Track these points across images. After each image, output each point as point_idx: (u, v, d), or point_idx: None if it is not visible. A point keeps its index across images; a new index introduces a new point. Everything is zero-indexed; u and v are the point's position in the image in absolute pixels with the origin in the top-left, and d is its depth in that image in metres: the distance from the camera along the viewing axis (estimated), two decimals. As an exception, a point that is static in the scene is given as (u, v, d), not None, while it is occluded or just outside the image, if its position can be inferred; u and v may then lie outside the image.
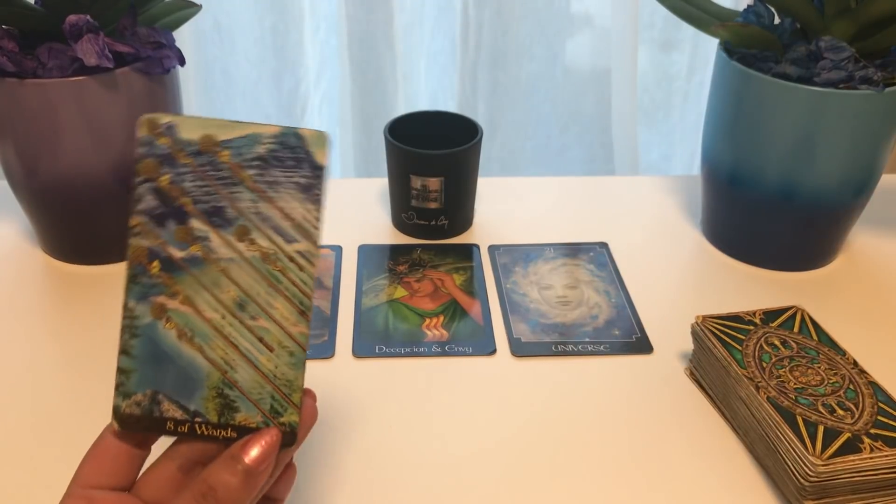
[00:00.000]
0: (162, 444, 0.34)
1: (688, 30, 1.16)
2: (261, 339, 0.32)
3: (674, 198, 0.77)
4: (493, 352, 0.57)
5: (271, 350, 0.32)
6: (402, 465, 0.48)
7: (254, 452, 0.31)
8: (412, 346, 0.57)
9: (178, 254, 0.32)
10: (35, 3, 0.59)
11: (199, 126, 0.32)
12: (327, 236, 0.69)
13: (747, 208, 0.65)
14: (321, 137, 0.33)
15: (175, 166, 0.32)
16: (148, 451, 0.34)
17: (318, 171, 0.32)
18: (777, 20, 0.63)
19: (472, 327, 0.59)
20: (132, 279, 0.32)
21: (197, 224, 0.32)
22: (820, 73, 0.58)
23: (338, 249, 0.68)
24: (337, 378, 0.55)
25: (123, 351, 0.32)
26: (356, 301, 0.62)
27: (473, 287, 0.64)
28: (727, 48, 0.63)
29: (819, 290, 0.64)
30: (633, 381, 0.55)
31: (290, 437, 0.33)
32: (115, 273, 0.65)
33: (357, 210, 0.74)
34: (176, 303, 0.32)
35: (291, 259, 0.32)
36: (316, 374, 0.55)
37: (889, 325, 0.60)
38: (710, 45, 1.17)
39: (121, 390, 0.33)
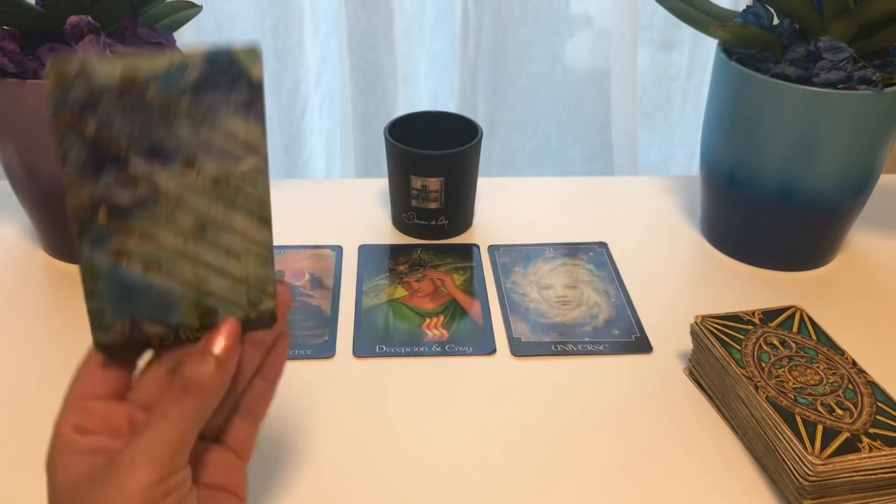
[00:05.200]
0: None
1: (687, 30, 1.16)
2: (227, 252, 0.32)
3: (673, 198, 0.77)
4: (493, 351, 0.57)
5: (239, 259, 0.33)
6: (402, 465, 0.48)
7: (220, 342, 0.33)
8: (412, 345, 0.58)
9: (124, 198, 0.31)
10: (36, 3, 0.59)
11: (115, 65, 0.29)
12: (328, 236, 0.70)
13: (746, 208, 0.65)
14: (254, 51, 0.30)
15: (98, 113, 0.29)
16: (136, 361, 0.35)
17: (255, 87, 0.31)
18: (776, 21, 0.63)
19: (472, 327, 0.59)
20: (81, 231, 0.31)
21: (138, 165, 0.30)
22: (819, 74, 0.58)
23: (338, 249, 0.68)
24: (337, 378, 0.55)
25: (90, 294, 0.31)
26: (356, 301, 0.62)
27: (473, 287, 0.64)
28: (726, 49, 0.63)
29: (818, 289, 0.64)
30: (633, 381, 0.55)
31: (271, 320, 0.34)
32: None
33: (357, 210, 0.74)
34: (134, 242, 0.31)
35: (243, 178, 0.32)
36: (316, 373, 0.55)
37: (888, 324, 0.61)
38: (709, 46, 1.17)
39: (97, 325, 0.32)
